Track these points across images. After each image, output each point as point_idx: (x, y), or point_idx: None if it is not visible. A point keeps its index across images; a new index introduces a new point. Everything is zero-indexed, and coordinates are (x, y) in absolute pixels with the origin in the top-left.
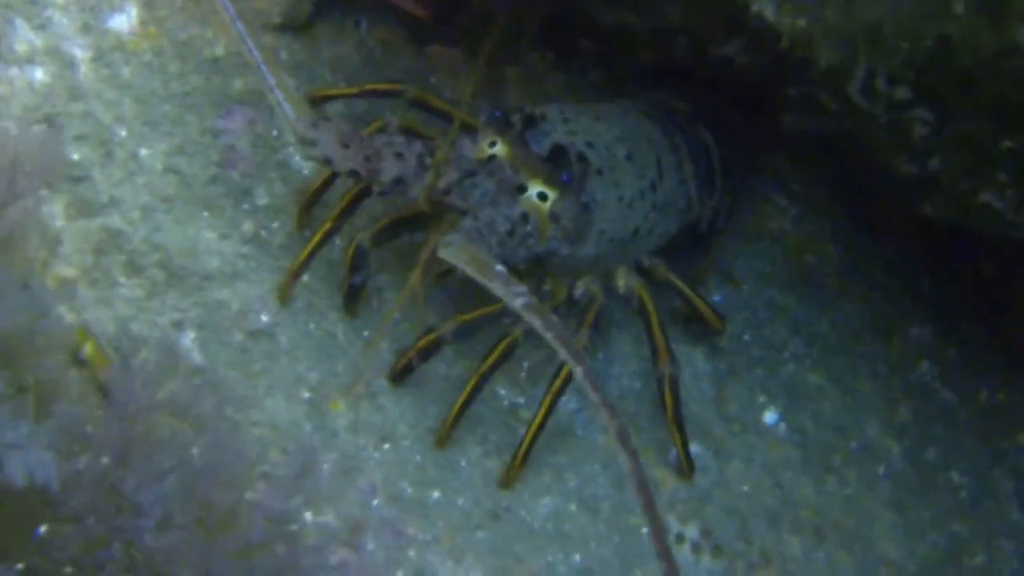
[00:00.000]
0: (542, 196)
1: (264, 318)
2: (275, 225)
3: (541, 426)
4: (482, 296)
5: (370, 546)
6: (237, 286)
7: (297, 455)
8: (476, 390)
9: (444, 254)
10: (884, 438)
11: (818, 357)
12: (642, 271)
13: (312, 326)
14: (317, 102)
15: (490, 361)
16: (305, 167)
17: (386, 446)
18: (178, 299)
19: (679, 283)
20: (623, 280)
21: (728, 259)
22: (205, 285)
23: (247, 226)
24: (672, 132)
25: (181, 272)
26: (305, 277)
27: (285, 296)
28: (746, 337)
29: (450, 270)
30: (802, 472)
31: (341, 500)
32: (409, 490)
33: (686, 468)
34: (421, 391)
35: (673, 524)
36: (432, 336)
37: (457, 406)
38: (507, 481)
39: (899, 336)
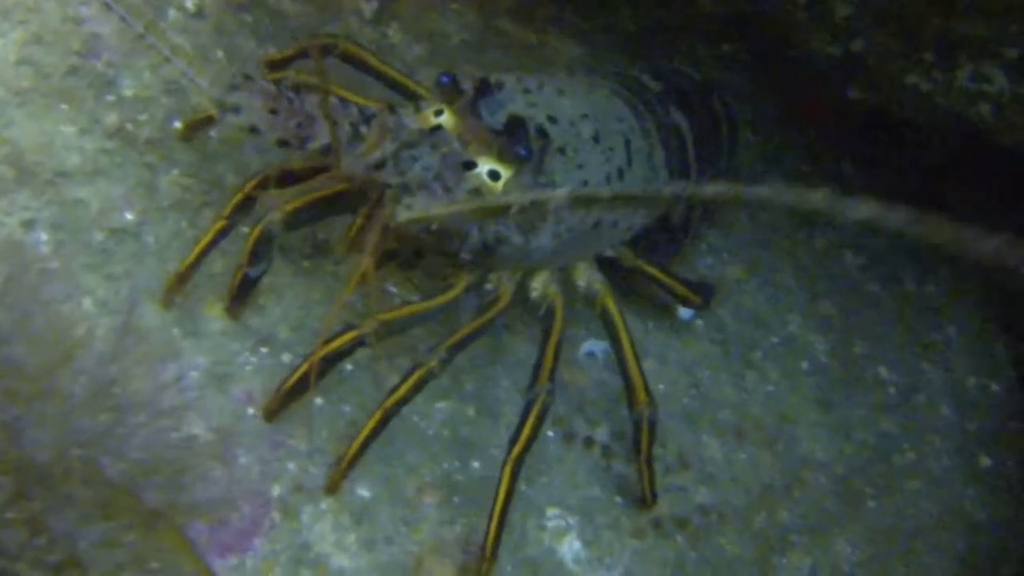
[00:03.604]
0: (493, 175)
1: (128, 216)
2: (143, 117)
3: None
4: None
5: (243, 459)
6: (98, 183)
7: (160, 362)
8: (381, 424)
9: (406, 215)
10: (807, 332)
11: (736, 249)
12: (606, 261)
13: (184, 224)
14: (268, 69)
15: (399, 394)
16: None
17: (264, 350)
18: (30, 198)
19: (650, 268)
20: (584, 279)
21: None
22: (60, 182)
23: (111, 119)
24: (643, 115)
25: (34, 168)
26: (175, 172)
27: (168, 301)
28: None
29: (379, 262)
30: (721, 369)
31: (211, 410)
32: None
33: (649, 501)
34: (305, 290)
35: (581, 427)
36: (351, 335)
37: (358, 442)
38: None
39: (822, 226)
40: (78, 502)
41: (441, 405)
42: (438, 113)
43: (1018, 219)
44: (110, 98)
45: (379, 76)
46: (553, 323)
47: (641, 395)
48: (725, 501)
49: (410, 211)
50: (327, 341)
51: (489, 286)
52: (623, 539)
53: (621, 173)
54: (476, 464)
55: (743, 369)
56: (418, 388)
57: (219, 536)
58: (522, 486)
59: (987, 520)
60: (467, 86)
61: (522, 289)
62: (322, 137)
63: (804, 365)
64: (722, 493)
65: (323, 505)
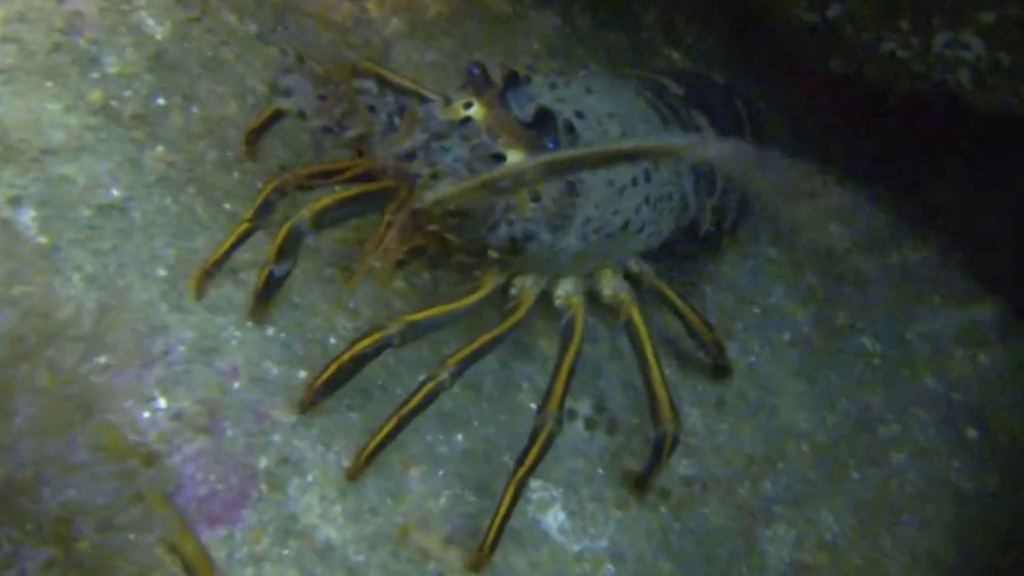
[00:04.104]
0: None
1: (114, 192)
2: (126, 94)
3: None
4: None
5: (230, 432)
6: (83, 159)
7: (147, 336)
8: (394, 432)
9: (431, 197)
10: (789, 303)
11: None
12: (630, 277)
13: (168, 200)
14: None
15: (411, 407)
16: (158, 31)
17: (249, 324)
18: (16, 174)
19: (669, 291)
20: (609, 287)
21: None
22: (46, 159)
23: (95, 96)
24: (667, 118)
25: (20, 146)
26: (160, 148)
27: (200, 294)
28: None
29: (407, 259)
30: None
31: (197, 383)
32: (274, 370)
33: (651, 491)
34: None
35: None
36: (377, 336)
37: (371, 446)
38: None
39: (805, 198)
40: (31, 520)
41: (424, 378)
42: (467, 105)
43: (1017, 185)
44: (94, 75)
45: (397, 90)
46: (572, 337)
47: (667, 412)
48: (708, 472)
49: (434, 192)
50: (354, 342)
51: (514, 290)
52: (607, 510)
53: (648, 175)
54: (459, 437)
55: (723, 340)
56: (428, 402)
57: (208, 508)
58: (506, 459)
59: (973, 491)
60: (496, 76)
61: (545, 297)
62: (358, 127)
63: (786, 336)
64: (705, 464)
65: (309, 477)
